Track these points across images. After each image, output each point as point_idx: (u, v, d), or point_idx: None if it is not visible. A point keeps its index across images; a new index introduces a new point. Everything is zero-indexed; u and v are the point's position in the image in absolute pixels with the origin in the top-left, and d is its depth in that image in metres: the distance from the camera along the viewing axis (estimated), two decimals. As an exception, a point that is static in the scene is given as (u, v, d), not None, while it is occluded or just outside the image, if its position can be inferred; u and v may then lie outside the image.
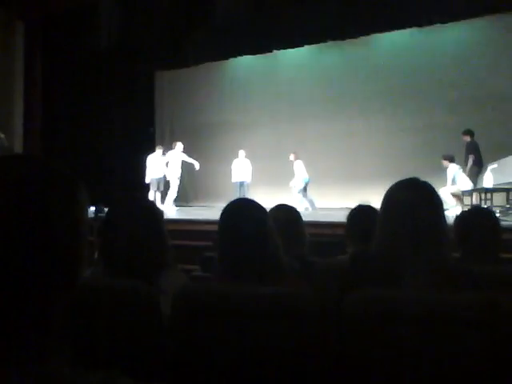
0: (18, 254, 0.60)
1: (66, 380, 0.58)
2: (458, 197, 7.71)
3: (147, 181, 9.90)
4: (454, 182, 7.71)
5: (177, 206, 10.14)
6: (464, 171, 7.82)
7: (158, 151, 10.07)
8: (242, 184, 10.33)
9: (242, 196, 9.55)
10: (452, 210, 6.33)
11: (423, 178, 1.53)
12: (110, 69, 9.82)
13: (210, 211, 8.62)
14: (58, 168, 0.68)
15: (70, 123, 9.58)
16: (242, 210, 1.65)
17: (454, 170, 7.77)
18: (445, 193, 7.59)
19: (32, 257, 0.61)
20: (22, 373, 0.57)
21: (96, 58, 9.51)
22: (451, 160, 7.89)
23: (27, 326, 0.61)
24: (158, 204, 9.72)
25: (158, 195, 9.97)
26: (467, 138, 8.13)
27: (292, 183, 9.76)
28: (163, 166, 9.99)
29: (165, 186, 9.99)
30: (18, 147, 8.74)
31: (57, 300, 0.64)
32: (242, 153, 10.48)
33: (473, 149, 7.98)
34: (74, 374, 0.60)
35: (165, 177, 9.94)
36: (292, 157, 9.89)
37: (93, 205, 5.06)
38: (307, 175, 9.66)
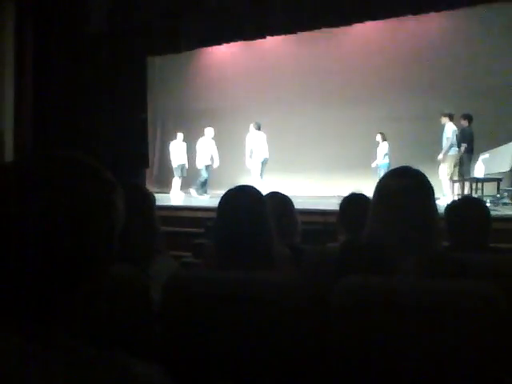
0: (54, 252, 0.62)
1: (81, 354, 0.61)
2: (454, 174, 7.67)
3: (174, 166, 9.96)
4: (450, 139, 7.60)
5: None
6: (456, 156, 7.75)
7: (179, 137, 10.06)
8: (207, 167, 9.75)
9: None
10: (443, 199, 6.35)
11: (417, 167, 1.52)
12: (102, 53, 9.69)
13: (203, 198, 8.60)
14: (97, 170, 0.69)
15: (61, 108, 9.44)
16: (238, 198, 1.66)
17: (452, 128, 7.66)
18: (443, 174, 7.58)
19: (68, 254, 0.63)
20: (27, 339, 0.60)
21: (88, 42, 9.37)
22: (451, 118, 7.74)
23: (53, 309, 0.64)
24: (178, 190, 9.77)
25: (179, 182, 9.98)
26: (465, 123, 7.78)
27: (374, 164, 9.22)
28: (184, 151, 10.02)
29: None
30: (9, 131, 8.62)
31: (81, 290, 0.67)
32: (209, 130, 9.82)
33: (467, 137, 7.68)
34: (90, 352, 0.62)
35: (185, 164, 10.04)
36: (379, 137, 9.24)
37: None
38: (388, 160, 8.97)
